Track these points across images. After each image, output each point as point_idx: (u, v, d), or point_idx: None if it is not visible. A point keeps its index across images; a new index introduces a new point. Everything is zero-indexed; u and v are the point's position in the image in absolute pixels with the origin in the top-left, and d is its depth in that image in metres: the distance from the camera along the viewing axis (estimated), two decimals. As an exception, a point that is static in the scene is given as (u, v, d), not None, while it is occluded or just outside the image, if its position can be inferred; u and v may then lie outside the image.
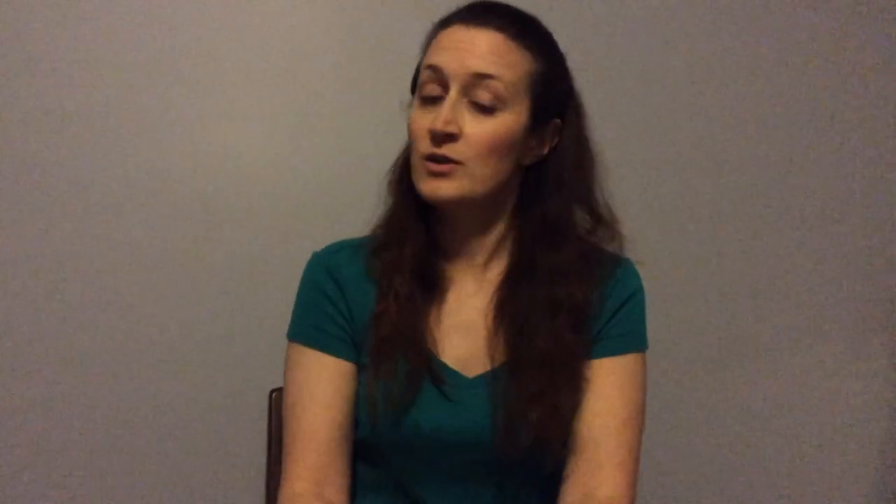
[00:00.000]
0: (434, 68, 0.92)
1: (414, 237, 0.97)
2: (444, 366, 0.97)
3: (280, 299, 1.33)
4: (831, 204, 1.54)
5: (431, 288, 0.99)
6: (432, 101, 0.92)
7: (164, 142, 1.30)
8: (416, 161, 0.94)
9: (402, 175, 0.99)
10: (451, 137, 0.90)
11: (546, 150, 0.97)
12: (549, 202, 0.96)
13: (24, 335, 1.28)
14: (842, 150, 1.54)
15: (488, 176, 0.92)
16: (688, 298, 1.51)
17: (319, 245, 1.03)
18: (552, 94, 0.96)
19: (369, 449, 0.99)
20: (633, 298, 1.01)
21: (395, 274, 0.96)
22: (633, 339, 1.00)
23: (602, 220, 0.99)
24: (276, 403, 1.23)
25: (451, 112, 0.90)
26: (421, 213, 0.97)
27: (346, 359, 0.97)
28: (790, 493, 1.58)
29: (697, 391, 1.53)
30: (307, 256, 1.02)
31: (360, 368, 0.98)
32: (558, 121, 0.97)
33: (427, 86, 0.93)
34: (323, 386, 0.96)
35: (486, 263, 1.00)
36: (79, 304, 1.29)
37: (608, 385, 0.97)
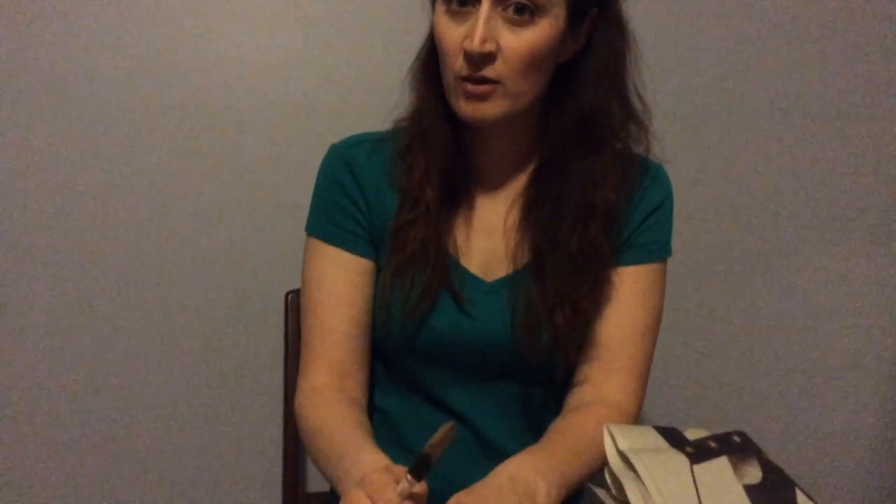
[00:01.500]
0: None
1: (442, 144, 0.93)
2: (465, 271, 0.96)
3: (291, 202, 1.32)
4: (849, 107, 1.49)
5: (458, 193, 0.96)
6: (461, 7, 0.84)
7: (173, 42, 1.26)
8: (449, 79, 0.87)
9: (426, 74, 0.94)
10: (487, 56, 0.84)
11: (582, 44, 0.91)
12: (585, 98, 0.90)
13: (32, 240, 1.28)
14: (866, 54, 1.48)
15: (528, 89, 0.87)
16: (700, 203, 1.48)
17: (335, 139, 1.00)
18: None
19: (385, 349, 0.99)
20: (663, 206, 0.98)
21: (424, 186, 0.92)
22: (658, 248, 0.98)
23: (634, 116, 0.93)
24: (292, 305, 1.23)
25: (486, 28, 0.82)
26: (447, 115, 0.92)
27: (364, 256, 0.96)
28: (803, 401, 1.59)
29: (711, 297, 1.53)
30: (320, 155, 0.99)
31: (377, 267, 0.97)
32: (595, 9, 0.90)
33: None
34: (341, 282, 0.95)
35: (515, 164, 0.97)
36: (90, 210, 1.29)
37: (631, 294, 0.96)
